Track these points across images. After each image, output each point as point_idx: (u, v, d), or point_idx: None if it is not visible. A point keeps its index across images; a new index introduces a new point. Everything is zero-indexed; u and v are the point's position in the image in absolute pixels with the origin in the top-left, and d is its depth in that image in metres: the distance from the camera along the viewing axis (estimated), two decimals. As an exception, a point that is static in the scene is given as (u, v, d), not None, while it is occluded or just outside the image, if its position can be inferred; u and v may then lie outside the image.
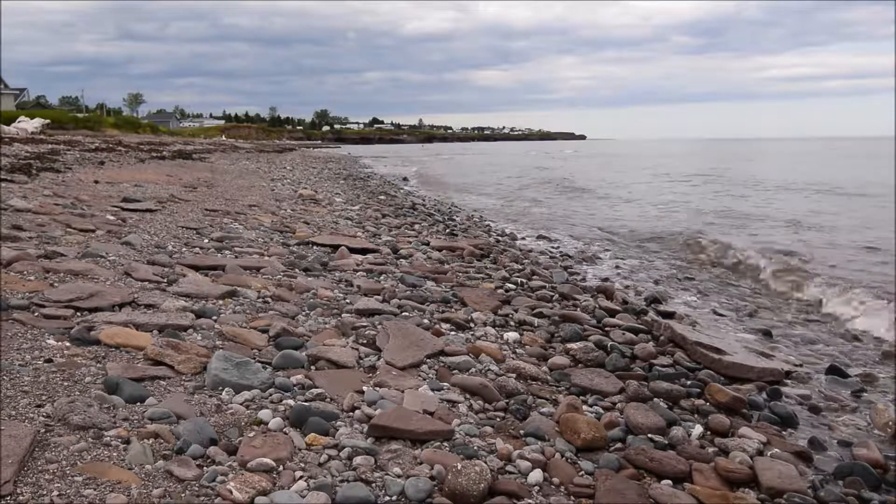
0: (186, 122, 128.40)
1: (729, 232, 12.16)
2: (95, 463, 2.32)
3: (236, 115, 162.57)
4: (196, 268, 5.56)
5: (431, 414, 3.12)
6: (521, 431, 3.18)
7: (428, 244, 8.61)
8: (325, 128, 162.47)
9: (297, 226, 8.94)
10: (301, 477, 2.44)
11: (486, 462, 2.72)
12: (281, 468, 2.48)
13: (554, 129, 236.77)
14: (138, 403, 2.84)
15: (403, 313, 4.94)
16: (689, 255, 10.21)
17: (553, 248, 10.36)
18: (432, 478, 2.55)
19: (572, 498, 2.68)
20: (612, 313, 5.88)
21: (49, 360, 3.14)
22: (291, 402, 3.06)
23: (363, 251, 7.44)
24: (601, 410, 3.65)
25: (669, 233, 12.24)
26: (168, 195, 10.20)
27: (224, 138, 70.05)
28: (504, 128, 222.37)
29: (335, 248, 7.30)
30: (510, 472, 2.76)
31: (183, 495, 2.22)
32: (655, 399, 3.85)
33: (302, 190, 14.73)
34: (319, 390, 3.23)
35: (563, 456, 2.99)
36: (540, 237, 11.54)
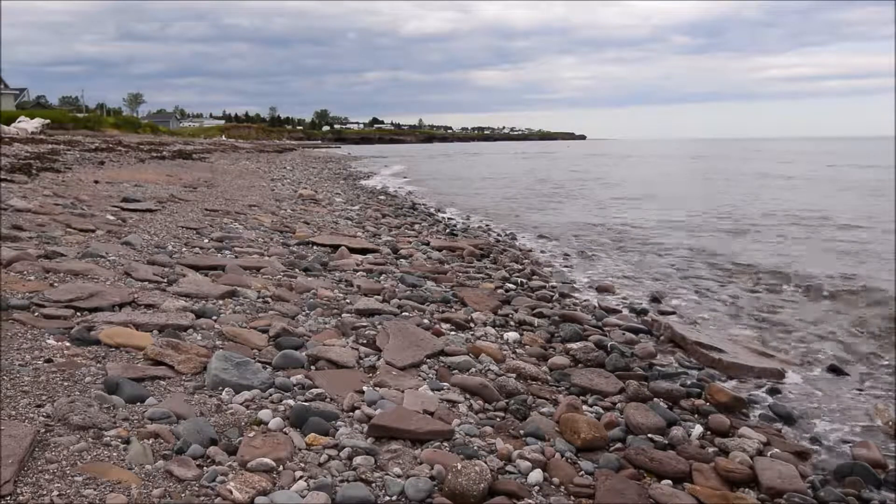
0: (186, 122, 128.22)
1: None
2: (95, 463, 2.32)
3: (236, 115, 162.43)
4: (196, 268, 5.55)
5: (431, 414, 3.12)
6: (521, 431, 3.18)
7: (428, 244, 8.62)
8: (325, 128, 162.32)
9: (297, 226, 8.94)
10: (301, 477, 2.44)
11: (486, 462, 2.72)
12: (281, 468, 2.48)
13: (554, 129, 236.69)
14: (138, 403, 2.84)
15: (403, 313, 4.94)
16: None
17: (553, 247, 10.37)
18: (432, 478, 2.55)
19: (572, 498, 2.68)
20: (612, 313, 5.89)
21: (49, 360, 3.14)
22: (291, 402, 3.06)
23: (363, 251, 7.44)
24: (601, 410, 3.65)
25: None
26: (168, 195, 10.20)
27: (224, 138, 70.05)
28: (504, 128, 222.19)
29: (335, 248, 7.30)
30: (510, 472, 2.76)
31: (183, 495, 2.22)
32: (655, 399, 3.84)
33: (302, 190, 14.73)
34: (319, 390, 3.23)
35: (563, 456, 2.99)
36: (540, 236, 11.54)
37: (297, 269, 6.06)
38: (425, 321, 4.75)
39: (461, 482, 2.46)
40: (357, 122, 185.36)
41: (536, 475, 2.75)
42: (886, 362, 5.12)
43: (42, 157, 14.16)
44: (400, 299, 5.30)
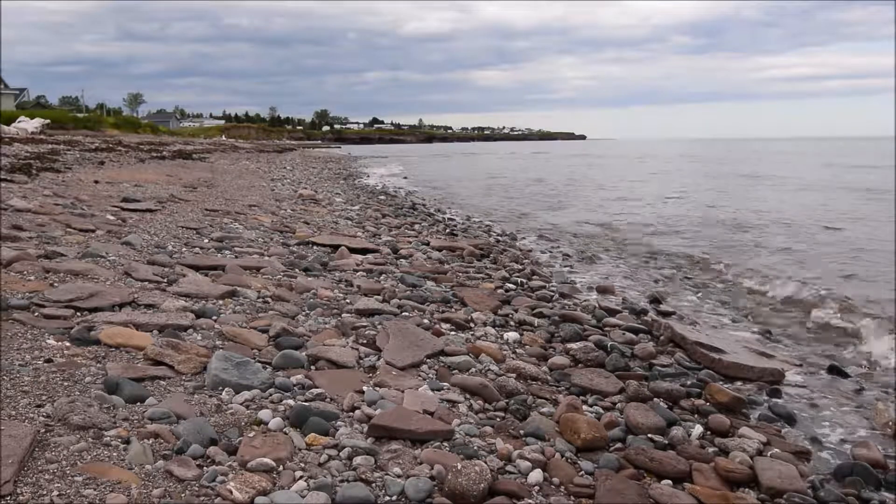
0: (186, 122, 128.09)
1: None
2: (95, 463, 2.32)
3: (236, 115, 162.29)
4: (196, 268, 5.55)
5: (431, 414, 3.12)
6: (521, 431, 3.18)
7: (428, 244, 8.62)
8: (325, 128, 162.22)
9: (297, 226, 8.94)
10: (301, 477, 2.44)
11: (486, 462, 2.72)
12: (281, 468, 2.47)
13: (554, 129, 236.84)
14: (138, 403, 2.84)
15: (403, 313, 4.94)
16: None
17: (553, 247, 10.37)
18: (432, 478, 2.55)
19: (572, 498, 2.68)
20: (612, 313, 5.89)
21: (49, 360, 3.14)
22: (291, 402, 3.06)
23: (363, 251, 7.44)
24: (601, 410, 3.65)
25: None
26: (168, 195, 10.20)
27: (224, 138, 69.97)
28: (504, 128, 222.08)
29: (335, 248, 7.30)
30: (510, 472, 2.76)
31: (183, 495, 2.22)
32: (655, 399, 3.85)
33: (302, 190, 14.73)
34: (319, 390, 3.23)
35: (563, 456, 2.99)
36: (540, 237, 11.55)
37: (297, 269, 6.06)
38: (425, 321, 4.75)
39: (461, 482, 2.46)
40: (357, 122, 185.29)
41: (536, 475, 2.75)
42: (886, 362, 5.12)
43: (42, 157, 14.15)
44: (400, 299, 5.30)
